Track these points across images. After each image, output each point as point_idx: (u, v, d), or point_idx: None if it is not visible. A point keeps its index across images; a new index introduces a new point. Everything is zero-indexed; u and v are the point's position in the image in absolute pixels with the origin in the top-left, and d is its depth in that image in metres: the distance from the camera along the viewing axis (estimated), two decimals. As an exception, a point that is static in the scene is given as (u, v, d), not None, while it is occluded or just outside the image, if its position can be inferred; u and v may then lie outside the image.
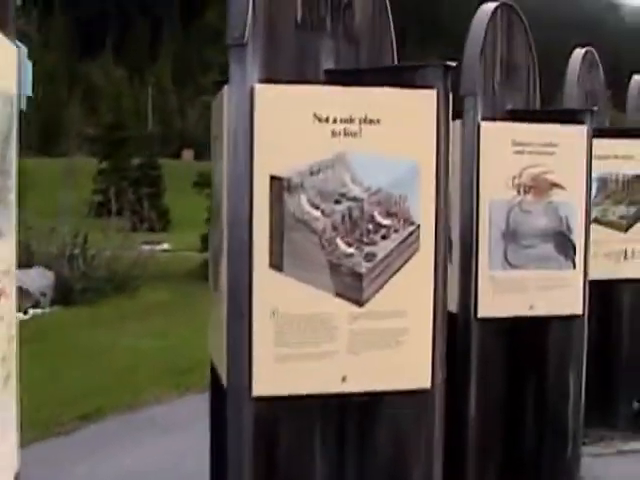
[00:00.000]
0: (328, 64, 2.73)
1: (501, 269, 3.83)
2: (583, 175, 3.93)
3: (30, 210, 15.02)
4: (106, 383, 6.61)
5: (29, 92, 10.77)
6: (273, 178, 2.43)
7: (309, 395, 2.49)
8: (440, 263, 2.57)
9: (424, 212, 2.54)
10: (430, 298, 2.55)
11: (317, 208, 2.46)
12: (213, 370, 2.85)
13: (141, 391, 6.37)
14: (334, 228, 2.47)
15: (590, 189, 4.01)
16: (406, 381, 2.55)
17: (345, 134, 2.47)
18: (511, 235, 3.84)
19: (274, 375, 2.46)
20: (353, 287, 2.49)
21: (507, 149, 3.82)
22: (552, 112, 4.20)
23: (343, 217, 2.47)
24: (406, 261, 2.53)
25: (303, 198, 2.45)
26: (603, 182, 4.91)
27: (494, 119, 3.91)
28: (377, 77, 2.64)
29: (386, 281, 2.51)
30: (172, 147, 51.27)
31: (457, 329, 3.85)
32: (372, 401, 2.55)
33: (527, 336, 3.91)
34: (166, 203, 28.23)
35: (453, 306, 3.89)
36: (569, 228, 3.91)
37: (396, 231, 2.52)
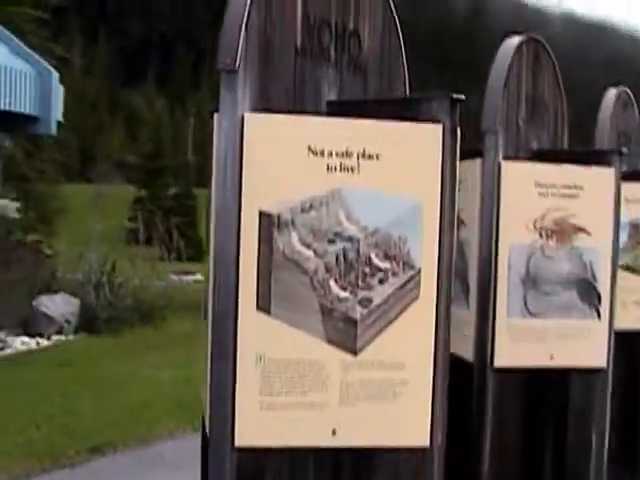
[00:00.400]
0: (331, 95, 2.57)
1: (520, 316, 3.62)
2: (610, 219, 3.71)
3: (62, 236, 15.10)
4: (120, 415, 6.50)
5: (60, 117, 10.79)
6: (262, 214, 2.27)
7: (296, 448, 2.31)
8: (442, 311, 2.38)
9: (426, 255, 2.35)
10: (431, 349, 2.36)
11: (309, 247, 2.29)
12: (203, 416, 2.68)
13: (155, 425, 6.23)
14: (327, 269, 2.29)
15: (618, 234, 3.79)
16: (402, 438, 2.35)
17: (341, 169, 2.31)
18: (531, 281, 3.63)
19: (259, 425, 2.28)
20: (346, 334, 2.30)
21: (529, 190, 3.62)
22: (579, 152, 3.99)
23: (337, 258, 2.30)
24: (405, 308, 2.34)
25: (294, 236, 2.28)
26: (634, 227, 4.67)
27: (517, 158, 3.72)
28: (379, 109, 2.47)
29: (383, 329, 2.33)
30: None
31: (472, 379, 3.65)
32: (364, 458, 2.35)
33: (547, 388, 3.69)
34: (199, 233, 28.26)
35: (469, 354, 3.69)
36: (594, 275, 3.68)
37: (395, 275, 2.34)
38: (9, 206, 16.68)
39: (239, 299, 2.27)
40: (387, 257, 2.33)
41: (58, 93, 11.09)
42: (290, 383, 2.29)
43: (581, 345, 3.68)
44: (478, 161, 3.70)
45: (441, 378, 2.38)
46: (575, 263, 3.67)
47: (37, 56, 11.07)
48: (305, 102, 2.51)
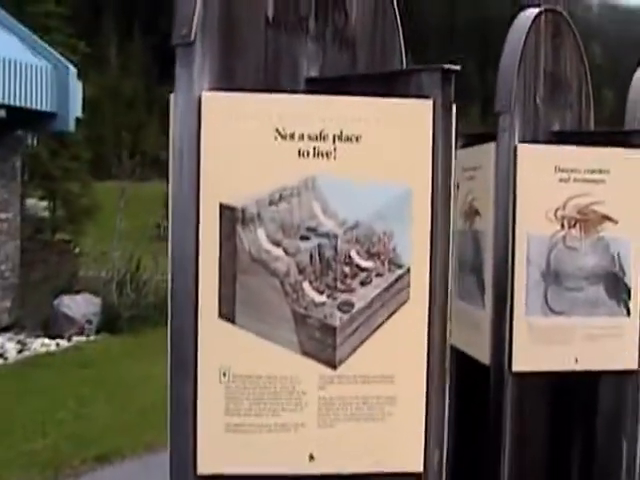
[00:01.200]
0: (312, 72, 2.26)
1: (541, 315, 3.28)
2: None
3: (91, 235, 14.95)
4: (132, 419, 6.28)
5: (78, 113, 10.59)
6: (224, 207, 1.97)
7: (268, 476, 2.01)
8: (437, 316, 2.06)
9: (416, 252, 2.03)
10: (423, 360, 2.04)
11: (278, 245, 1.98)
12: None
13: (165, 429, 5.99)
14: (300, 271, 1.99)
15: (649, 222, 3.43)
16: (392, 463, 2.04)
17: (315, 154, 2.00)
18: (553, 276, 3.28)
19: (224, 449, 1.99)
20: (324, 344, 1.99)
21: (549, 176, 3.28)
22: (604, 134, 3.62)
23: (311, 257, 1.99)
24: (392, 313, 2.03)
25: (261, 233, 1.98)
26: (668, 214, 4.29)
27: (536, 141, 3.38)
28: (364, 85, 2.16)
29: (366, 337, 2.01)
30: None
31: (489, 385, 3.32)
32: (346, 487, 2.04)
33: (572, 394, 3.34)
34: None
35: (485, 357, 3.36)
36: (622, 268, 3.33)
37: (379, 275, 2.02)
38: (37, 205, 16.62)
39: (199, 306, 1.97)
40: (370, 255, 2.01)
41: (76, 89, 10.92)
42: (260, 402, 1.99)
43: (609, 345, 3.33)
44: (492, 145, 3.36)
45: (437, 394, 2.06)
46: (601, 255, 3.32)
47: (54, 52, 10.90)
48: (280, 80, 2.20)
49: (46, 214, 16.51)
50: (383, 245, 2.01)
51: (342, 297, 1.99)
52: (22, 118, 10.62)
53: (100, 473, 4.92)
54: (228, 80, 2.06)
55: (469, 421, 3.67)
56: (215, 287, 1.97)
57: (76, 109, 10.82)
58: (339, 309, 1.99)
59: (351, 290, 2.00)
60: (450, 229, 2.09)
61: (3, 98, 9.84)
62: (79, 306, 9.94)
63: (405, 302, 2.03)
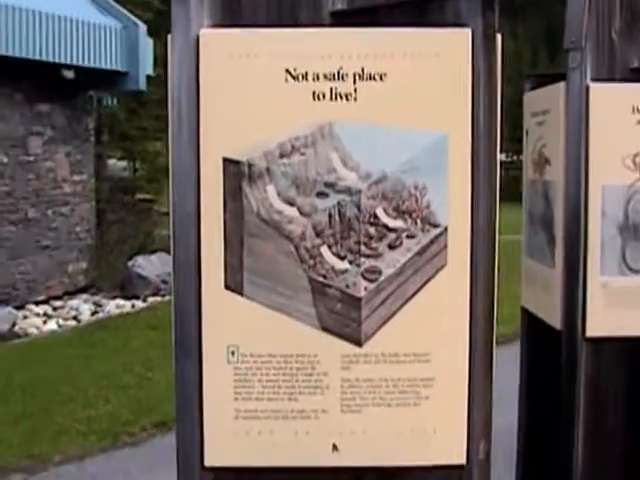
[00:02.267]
0: (339, 4, 1.95)
1: (618, 274, 2.92)
2: None
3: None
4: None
5: (150, 71, 10.44)
6: (227, 162, 1.70)
7: (284, 468, 1.76)
8: (481, 282, 1.75)
9: (454, 209, 1.72)
10: (465, 335, 1.74)
11: (292, 204, 1.71)
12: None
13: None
14: (318, 233, 1.71)
15: None
16: (429, 454, 1.76)
17: (332, 97, 1.70)
18: (632, 230, 2.91)
19: (234, 439, 1.74)
20: (347, 318, 1.72)
21: (626, 118, 2.90)
22: (691, 68, 3.20)
23: (331, 217, 1.71)
24: (427, 281, 1.73)
25: (271, 190, 1.70)
26: None
27: (612, 80, 2.99)
28: (395, 15, 1.84)
29: (397, 310, 1.73)
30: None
31: (561, 352, 3.00)
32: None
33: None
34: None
35: (557, 322, 3.04)
36: None
37: (411, 237, 1.72)
38: (116, 165, 16.71)
39: (202, 277, 1.72)
40: (399, 213, 1.72)
41: (146, 47, 10.78)
42: (274, 385, 1.73)
43: (698, 307, 2.95)
44: (562, 85, 2.99)
45: (481, 373, 1.76)
46: (687, 205, 2.93)
47: (123, 10, 10.77)
48: (299, 14, 1.89)
49: (126, 174, 16.59)
50: (415, 201, 1.71)
51: (367, 263, 1.71)
52: (92, 78, 10.57)
53: (159, 440, 4.80)
54: (232, 15, 1.77)
55: (542, 391, 3.37)
56: (220, 254, 1.71)
57: (147, 67, 10.70)
58: (364, 277, 1.71)
59: (378, 255, 1.71)
60: (496, 181, 1.77)
61: (71, 59, 9.77)
62: (154, 266, 9.88)
63: (442, 267, 1.73)
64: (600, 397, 2.96)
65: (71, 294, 10.80)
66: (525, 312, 3.50)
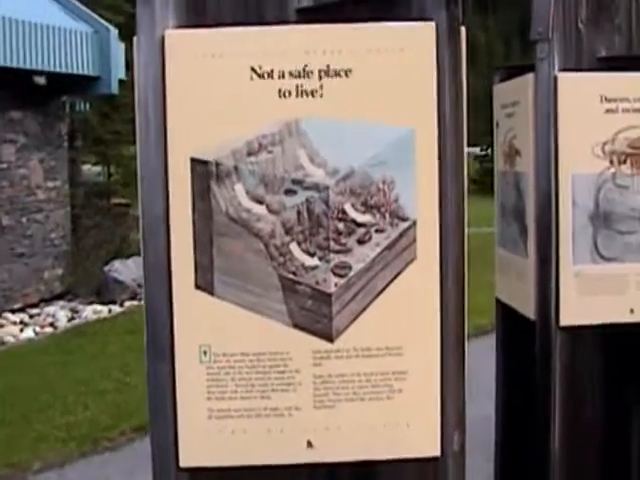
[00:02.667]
0: (304, 1, 1.95)
1: (590, 262, 2.94)
2: (700, 138, 2.97)
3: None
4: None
5: (122, 75, 10.40)
6: (195, 162, 1.70)
7: (260, 467, 1.76)
8: (450, 276, 1.76)
9: (422, 202, 1.73)
10: (436, 327, 1.75)
11: (260, 202, 1.71)
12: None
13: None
14: (287, 230, 1.71)
15: None
16: (403, 447, 1.76)
17: (298, 94, 1.70)
18: (602, 218, 2.94)
19: (208, 439, 1.74)
20: (318, 314, 1.72)
21: (595, 107, 2.92)
22: (657, 57, 3.23)
23: (299, 214, 1.71)
24: (397, 275, 1.74)
25: (239, 189, 1.70)
26: None
27: (580, 70, 3.01)
28: (361, 10, 1.84)
29: (368, 304, 1.73)
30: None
31: (535, 341, 3.02)
32: (353, 477, 1.78)
33: (627, 349, 3.01)
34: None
35: (530, 312, 3.05)
36: (681, 207, 2.96)
37: (380, 231, 1.73)
38: (91, 171, 16.61)
39: (172, 277, 1.72)
40: (368, 208, 1.72)
41: (118, 51, 10.72)
42: (246, 383, 1.73)
43: (669, 293, 2.98)
44: (530, 76, 3.01)
45: (454, 365, 1.77)
46: (657, 194, 2.96)
47: (94, 15, 10.71)
48: (265, 13, 1.88)
49: (101, 179, 16.49)
50: (383, 195, 1.72)
51: (337, 259, 1.71)
52: (64, 84, 10.50)
53: (139, 444, 4.78)
54: (198, 16, 1.77)
55: (518, 381, 3.38)
56: (190, 254, 1.71)
57: (119, 71, 10.65)
58: (334, 273, 1.71)
59: (347, 250, 1.72)
60: (464, 173, 1.78)
61: (43, 65, 9.71)
62: (130, 270, 9.84)
63: (412, 261, 1.74)
64: (576, 385, 2.98)
65: (47, 301, 10.73)
66: (499, 303, 3.52)
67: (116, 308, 9.70)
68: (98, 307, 9.92)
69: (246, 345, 1.72)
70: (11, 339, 9.09)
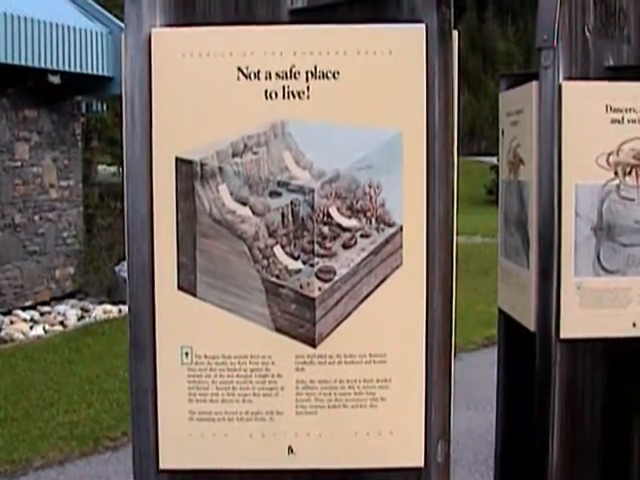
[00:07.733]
0: (298, 2, 1.93)
1: (592, 275, 2.89)
2: None
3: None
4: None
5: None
6: (179, 161, 1.68)
7: (240, 471, 1.73)
8: (437, 283, 1.73)
9: (409, 207, 1.70)
10: (421, 335, 1.72)
11: (245, 204, 1.69)
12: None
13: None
14: (271, 233, 1.69)
15: None
16: (386, 457, 1.73)
17: (285, 95, 1.68)
18: (605, 230, 2.89)
19: (189, 441, 1.72)
20: (301, 318, 1.70)
21: (600, 116, 2.87)
22: (664, 67, 3.18)
23: (284, 216, 1.69)
24: (382, 281, 1.71)
25: (224, 190, 1.68)
26: None
27: (586, 79, 2.96)
28: (352, 12, 1.82)
29: (352, 310, 1.71)
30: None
31: (535, 354, 2.98)
32: (333, 484, 1.75)
33: (629, 363, 2.97)
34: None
35: (531, 324, 3.01)
36: (685, 220, 2.92)
37: (365, 236, 1.71)
38: (107, 171, 16.67)
39: (155, 277, 1.70)
40: (354, 212, 1.70)
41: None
42: (228, 386, 1.71)
43: (672, 307, 2.93)
44: (534, 84, 2.97)
45: (439, 374, 1.74)
46: (662, 206, 2.91)
47: (109, 15, 10.74)
48: (256, 13, 1.88)
49: (116, 179, 16.54)
50: (369, 199, 1.70)
51: (321, 263, 1.69)
52: (78, 84, 10.53)
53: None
54: (186, 14, 1.76)
55: (519, 393, 3.34)
56: (173, 255, 1.69)
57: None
58: (318, 277, 1.69)
59: (332, 254, 1.69)
60: (452, 178, 1.76)
61: (57, 64, 9.74)
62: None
63: (397, 267, 1.71)
64: (575, 398, 2.94)
65: (58, 299, 10.77)
66: (501, 313, 3.48)
67: (126, 308, 9.60)
68: (108, 307, 9.96)
69: (228, 347, 1.70)
70: (20, 336, 9.12)
